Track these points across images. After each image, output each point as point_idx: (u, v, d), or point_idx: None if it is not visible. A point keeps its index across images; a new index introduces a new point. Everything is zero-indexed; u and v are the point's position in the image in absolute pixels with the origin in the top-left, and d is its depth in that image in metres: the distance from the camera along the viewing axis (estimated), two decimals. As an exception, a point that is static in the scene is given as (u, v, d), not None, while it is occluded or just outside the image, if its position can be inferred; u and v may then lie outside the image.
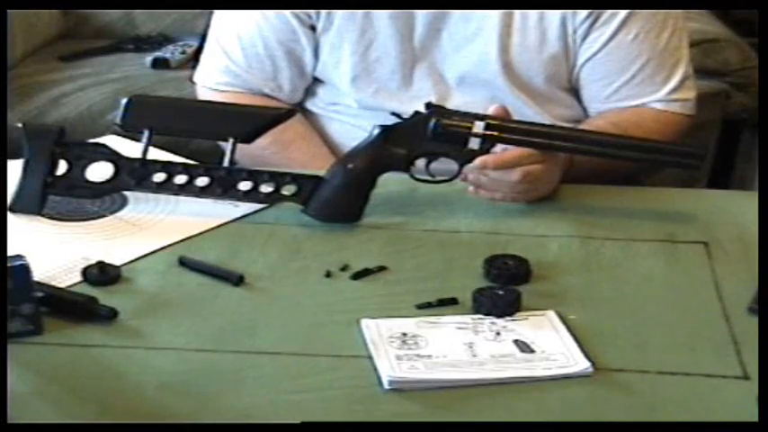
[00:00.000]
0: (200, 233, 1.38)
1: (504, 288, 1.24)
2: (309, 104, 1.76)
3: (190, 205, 1.43)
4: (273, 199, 1.43)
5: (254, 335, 1.17)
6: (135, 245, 1.34)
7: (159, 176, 1.43)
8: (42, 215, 1.41)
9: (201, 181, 1.43)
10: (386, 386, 1.08)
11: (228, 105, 1.57)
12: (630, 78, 1.65)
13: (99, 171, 1.43)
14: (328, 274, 1.29)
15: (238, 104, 1.57)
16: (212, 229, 1.39)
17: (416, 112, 1.45)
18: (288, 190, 1.43)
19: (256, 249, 1.35)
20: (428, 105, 1.46)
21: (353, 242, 1.37)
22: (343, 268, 1.30)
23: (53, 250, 1.32)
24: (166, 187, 1.43)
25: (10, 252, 1.14)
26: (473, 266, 1.30)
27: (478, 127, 1.42)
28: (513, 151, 1.43)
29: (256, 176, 1.43)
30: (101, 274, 1.26)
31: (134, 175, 1.42)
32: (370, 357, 1.12)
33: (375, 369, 1.10)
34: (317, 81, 1.74)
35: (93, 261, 1.28)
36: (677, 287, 1.29)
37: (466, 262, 1.32)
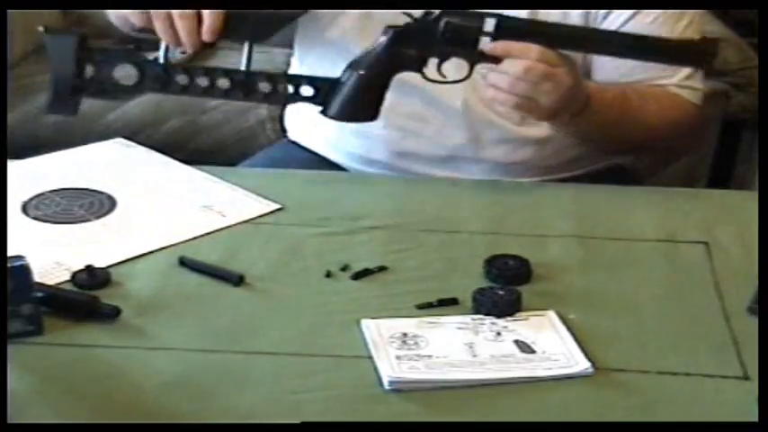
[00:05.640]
0: (191, 239, 1.37)
1: (504, 288, 1.24)
2: None
3: (180, 211, 1.43)
4: (293, 100, 1.47)
5: (254, 335, 1.17)
6: (121, 249, 1.33)
7: (182, 79, 1.46)
8: (29, 216, 1.40)
9: (223, 83, 1.45)
10: (386, 386, 1.08)
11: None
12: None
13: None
14: (328, 274, 1.29)
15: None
16: (213, 231, 1.39)
17: (426, 13, 1.45)
18: (306, 92, 1.46)
19: (256, 249, 1.35)
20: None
21: (353, 242, 1.37)
22: (344, 268, 1.30)
23: (37, 252, 1.28)
24: (191, 90, 1.46)
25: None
26: (473, 266, 1.30)
27: (489, 25, 1.43)
28: (522, 43, 1.41)
29: (275, 79, 1.46)
30: (89, 277, 1.25)
31: (158, 80, 1.46)
32: (370, 357, 1.12)
33: (375, 369, 1.10)
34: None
35: (80, 265, 1.26)
36: (677, 287, 1.29)
37: (466, 262, 1.32)
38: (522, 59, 1.41)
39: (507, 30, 1.43)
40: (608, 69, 1.63)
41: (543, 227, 1.42)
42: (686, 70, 1.66)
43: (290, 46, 1.79)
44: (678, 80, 1.65)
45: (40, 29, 1.45)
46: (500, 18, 1.43)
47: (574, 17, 1.60)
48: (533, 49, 1.41)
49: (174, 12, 1.43)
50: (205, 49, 1.54)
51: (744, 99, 2.48)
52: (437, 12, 1.44)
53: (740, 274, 1.30)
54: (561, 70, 1.43)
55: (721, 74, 2.46)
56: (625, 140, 1.63)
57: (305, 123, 1.78)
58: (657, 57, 1.53)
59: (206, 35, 1.42)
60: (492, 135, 1.62)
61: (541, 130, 1.61)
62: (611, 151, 1.72)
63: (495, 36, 1.42)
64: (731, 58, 2.47)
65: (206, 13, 1.42)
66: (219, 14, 1.41)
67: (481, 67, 1.45)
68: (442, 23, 1.43)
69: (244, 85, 1.45)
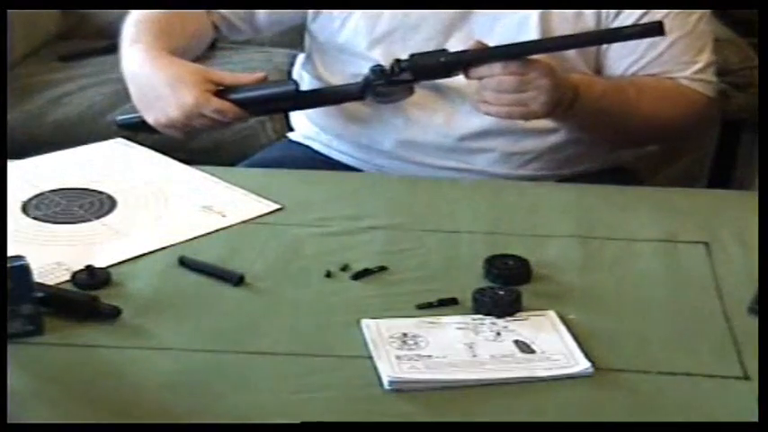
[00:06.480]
0: (191, 239, 1.37)
1: (504, 288, 1.24)
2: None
3: (180, 211, 1.43)
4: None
5: (254, 335, 1.17)
6: (121, 249, 1.33)
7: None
8: (29, 216, 1.40)
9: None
10: (386, 386, 1.08)
11: None
12: (659, 55, 1.64)
13: None
14: (328, 274, 1.29)
15: None
16: (213, 231, 1.39)
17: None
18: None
19: (256, 249, 1.35)
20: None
21: (353, 242, 1.37)
22: (344, 268, 1.30)
23: (37, 252, 1.27)
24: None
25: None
26: (473, 266, 1.30)
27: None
28: (486, 65, 1.47)
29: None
30: (89, 277, 1.25)
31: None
32: (370, 357, 1.12)
33: (375, 369, 1.10)
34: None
35: (80, 265, 1.26)
36: (677, 287, 1.29)
37: (466, 262, 1.32)
38: (492, 77, 1.47)
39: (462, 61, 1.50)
40: (624, 64, 1.65)
41: (543, 227, 1.42)
42: (699, 64, 1.67)
43: (290, 46, 1.79)
44: (690, 73, 1.66)
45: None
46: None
47: (587, 16, 1.61)
48: (496, 66, 1.47)
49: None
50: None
51: (744, 99, 2.48)
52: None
53: (740, 274, 1.30)
54: (532, 75, 1.46)
55: (721, 74, 2.46)
56: (624, 130, 1.64)
57: (310, 115, 1.78)
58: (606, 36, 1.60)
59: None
60: (500, 124, 1.62)
61: (545, 121, 1.61)
62: (617, 144, 1.73)
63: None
64: (731, 58, 2.47)
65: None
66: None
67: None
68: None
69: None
